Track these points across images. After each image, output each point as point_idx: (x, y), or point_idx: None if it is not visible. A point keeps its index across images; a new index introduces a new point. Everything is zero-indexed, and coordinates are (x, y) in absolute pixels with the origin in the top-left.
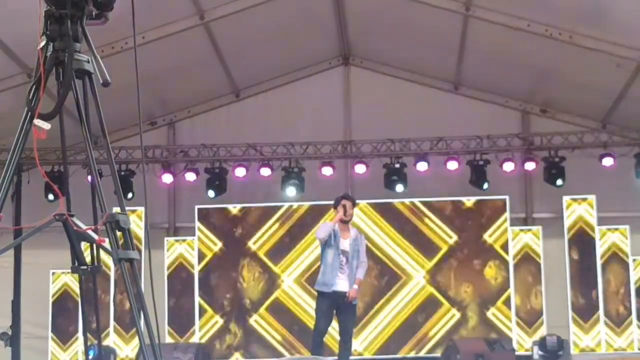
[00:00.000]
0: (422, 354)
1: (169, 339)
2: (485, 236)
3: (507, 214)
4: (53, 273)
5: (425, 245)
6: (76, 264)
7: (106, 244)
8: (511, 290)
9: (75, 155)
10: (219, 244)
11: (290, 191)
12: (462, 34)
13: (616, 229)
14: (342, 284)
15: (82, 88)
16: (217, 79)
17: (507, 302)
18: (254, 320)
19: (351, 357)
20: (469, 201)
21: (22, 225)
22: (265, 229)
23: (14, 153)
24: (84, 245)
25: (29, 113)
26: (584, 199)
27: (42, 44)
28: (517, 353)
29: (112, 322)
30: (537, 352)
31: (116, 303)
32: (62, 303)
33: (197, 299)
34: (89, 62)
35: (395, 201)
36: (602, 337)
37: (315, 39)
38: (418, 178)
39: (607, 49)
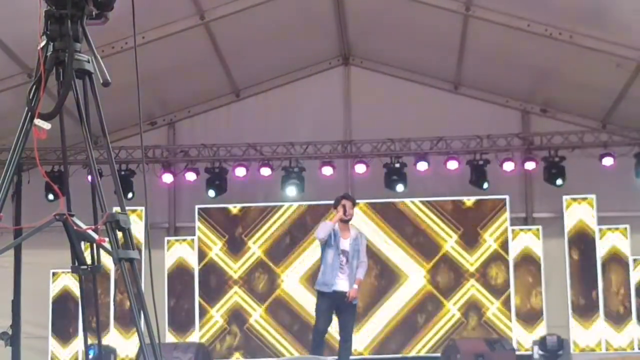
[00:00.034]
0: (422, 354)
1: (169, 339)
2: (486, 236)
3: (507, 214)
4: (53, 273)
5: (425, 245)
6: (76, 263)
7: (106, 243)
8: (511, 290)
9: (75, 155)
10: (219, 244)
11: (291, 191)
12: (462, 34)
13: (616, 229)
14: (342, 284)
15: (83, 88)
16: (217, 79)
17: (507, 302)
18: (254, 320)
19: (351, 357)
20: (469, 201)
21: (22, 225)
22: (265, 228)
23: (14, 153)
24: (84, 245)
25: (29, 113)
26: (584, 199)
27: (43, 43)
28: (517, 353)
29: (112, 322)
30: (537, 352)
31: (116, 302)
32: (62, 303)
33: (197, 299)
34: (89, 62)
35: (396, 201)
36: (602, 337)
37: (315, 39)
38: (418, 178)
39: (607, 49)
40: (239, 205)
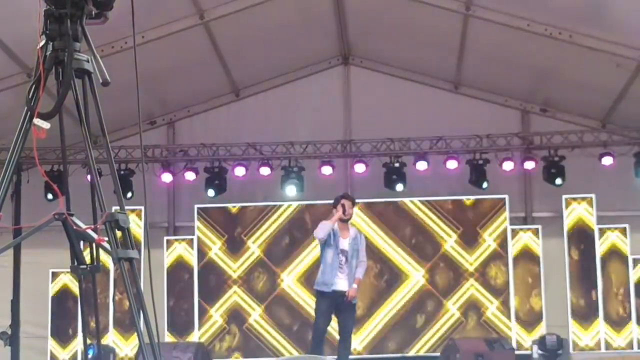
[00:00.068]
0: (421, 353)
1: (168, 339)
2: (485, 235)
3: (506, 213)
4: (53, 273)
5: (424, 245)
6: (76, 263)
7: (106, 243)
8: (511, 290)
9: (75, 154)
10: (219, 243)
11: (290, 190)
12: (462, 33)
13: (616, 228)
14: (341, 284)
15: (82, 87)
16: (217, 79)
17: (506, 302)
18: (253, 319)
19: (351, 357)
20: (468, 200)
21: (22, 224)
22: (264, 228)
23: (13, 152)
24: (83, 244)
25: (29, 112)
26: (584, 198)
27: (42, 43)
28: (516, 352)
29: (111, 322)
30: (536, 351)
31: (115, 302)
32: (62, 302)
33: (197, 299)
34: (88, 61)
35: (395, 200)
36: (602, 336)
37: (315, 39)
38: (418, 177)
39: (607, 48)
40: (238, 205)
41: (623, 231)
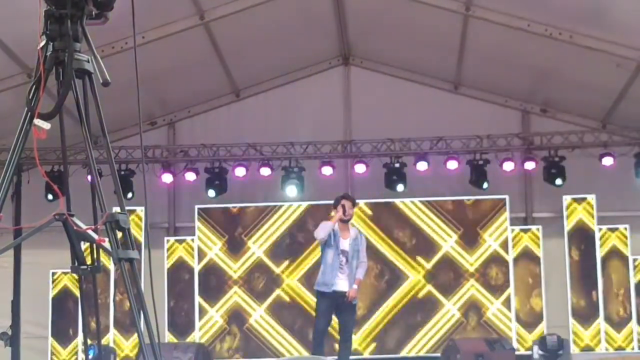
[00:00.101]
0: (422, 353)
1: (168, 339)
2: (485, 236)
3: (507, 214)
4: (53, 273)
5: (425, 245)
6: (76, 263)
7: (106, 243)
8: (511, 290)
9: (75, 155)
10: (219, 244)
11: (290, 191)
12: (462, 34)
13: (616, 229)
14: (342, 284)
15: (82, 88)
16: (217, 79)
17: (507, 302)
18: (253, 320)
19: (351, 357)
20: (468, 201)
21: (22, 225)
22: (265, 228)
23: (13, 153)
24: (83, 245)
25: (29, 113)
26: (584, 199)
27: (42, 43)
28: (517, 352)
29: (112, 322)
30: (537, 352)
31: (116, 303)
32: (62, 303)
33: (197, 299)
34: (89, 61)
35: (395, 201)
36: (602, 336)
37: (315, 39)
38: (418, 178)
39: (607, 48)
40: (238, 205)
41: (623, 232)
